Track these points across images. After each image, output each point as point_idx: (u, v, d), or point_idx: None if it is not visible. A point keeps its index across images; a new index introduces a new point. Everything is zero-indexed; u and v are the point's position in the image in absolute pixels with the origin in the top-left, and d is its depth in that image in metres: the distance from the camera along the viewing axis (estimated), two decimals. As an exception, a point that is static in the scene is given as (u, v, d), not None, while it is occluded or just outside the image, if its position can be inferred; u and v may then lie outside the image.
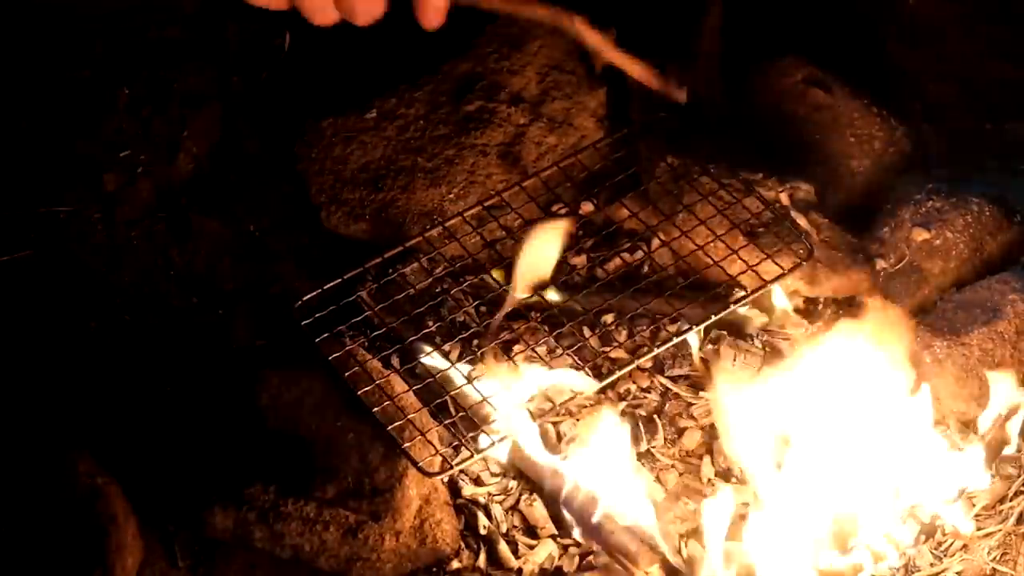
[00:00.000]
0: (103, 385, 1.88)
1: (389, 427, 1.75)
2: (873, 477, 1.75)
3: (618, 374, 1.85)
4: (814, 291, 1.96)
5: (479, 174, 2.08)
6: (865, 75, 2.13)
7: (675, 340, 1.89)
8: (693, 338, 1.91)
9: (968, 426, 1.85)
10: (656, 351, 1.88)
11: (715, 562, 1.69)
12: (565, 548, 1.78)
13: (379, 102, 2.15)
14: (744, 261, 1.91)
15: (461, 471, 1.83)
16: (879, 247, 1.99)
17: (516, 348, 1.92)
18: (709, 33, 2.13)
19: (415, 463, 1.73)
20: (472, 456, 1.77)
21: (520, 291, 1.88)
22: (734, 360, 1.91)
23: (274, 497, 1.73)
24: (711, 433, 1.87)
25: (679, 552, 1.74)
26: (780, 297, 1.95)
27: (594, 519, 1.75)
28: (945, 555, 1.75)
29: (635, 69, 1.57)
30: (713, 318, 1.87)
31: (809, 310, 1.97)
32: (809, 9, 2.19)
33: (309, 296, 1.87)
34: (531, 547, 1.78)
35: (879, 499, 1.75)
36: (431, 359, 1.88)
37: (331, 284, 1.88)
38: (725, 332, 1.94)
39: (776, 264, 1.90)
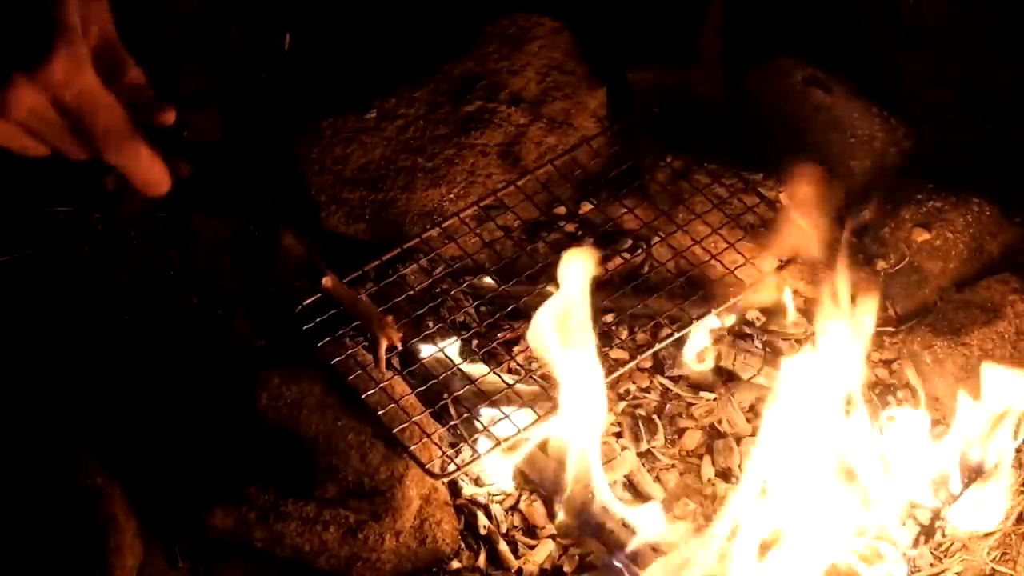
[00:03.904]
0: (103, 386, 1.88)
1: (394, 430, 1.76)
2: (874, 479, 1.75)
3: (620, 371, 1.86)
4: (814, 291, 1.96)
5: (479, 174, 2.08)
6: (865, 75, 2.13)
7: (675, 336, 1.89)
8: (700, 336, 1.92)
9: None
10: (657, 346, 1.89)
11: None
12: (565, 548, 1.78)
13: (379, 102, 2.15)
14: (742, 254, 1.93)
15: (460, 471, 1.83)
16: (879, 247, 1.99)
17: (516, 348, 1.92)
18: (709, 33, 2.13)
19: (422, 465, 1.74)
20: (479, 458, 1.77)
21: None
22: (734, 361, 1.91)
23: (274, 497, 1.73)
24: (711, 433, 1.87)
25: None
26: (788, 297, 1.95)
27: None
28: (945, 555, 1.75)
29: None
30: (712, 312, 1.87)
31: (809, 310, 1.97)
32: (809, 9, 2.19)
33: (309, 301, 1.87)
34: (531, 547, 1.78)
35: (879, 500, 1.75)
36: (446, 352, 1.88)
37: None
38: (726, 331, 1.94)
39: (775, 258, 1.91)
